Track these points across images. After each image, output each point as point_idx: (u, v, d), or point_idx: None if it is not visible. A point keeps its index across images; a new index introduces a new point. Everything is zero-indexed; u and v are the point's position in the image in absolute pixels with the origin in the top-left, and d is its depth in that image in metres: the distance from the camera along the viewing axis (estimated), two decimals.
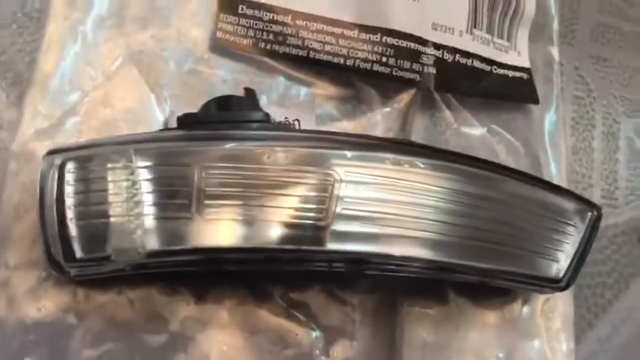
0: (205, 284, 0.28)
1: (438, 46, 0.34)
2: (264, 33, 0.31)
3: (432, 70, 0.33)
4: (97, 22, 0.29)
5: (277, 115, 0.31)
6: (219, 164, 0.24)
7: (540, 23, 0.39)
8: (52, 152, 0.24)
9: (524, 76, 0.37)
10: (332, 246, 0.26)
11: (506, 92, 0.36)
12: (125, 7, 0.30)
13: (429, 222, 0.27)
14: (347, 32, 0.32)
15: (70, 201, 0.24)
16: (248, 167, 0.25)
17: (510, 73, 0.36)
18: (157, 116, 0.29)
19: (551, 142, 0.37)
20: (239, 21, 0.31)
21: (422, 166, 0.27)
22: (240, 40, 0.31)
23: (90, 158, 0.24)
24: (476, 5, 0.35)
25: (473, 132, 0.35)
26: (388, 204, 0.27)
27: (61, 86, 0.28)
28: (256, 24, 0.31)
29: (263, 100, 0.31)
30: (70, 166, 0.24)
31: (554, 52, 0.39)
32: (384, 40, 0.32)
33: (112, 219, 0.24)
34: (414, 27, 0.33)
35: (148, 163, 0.24)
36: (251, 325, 0.29)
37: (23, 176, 0.26)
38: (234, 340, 0.28)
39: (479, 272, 0.29)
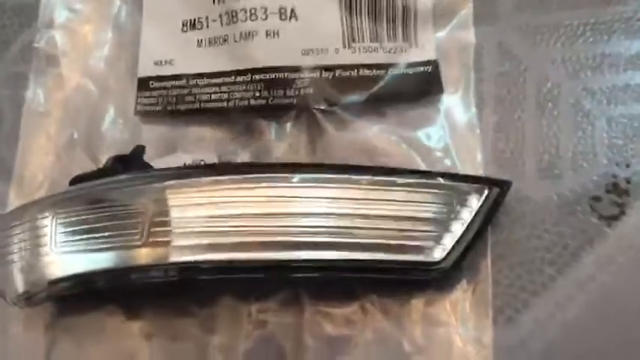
0: (135, 301, 0.36)
1: (312, 68, 0.37)
2: (168, 98, 0.39)
3: (310, 91, 0.37)
4: (50, 117, 0.40)
5: (188, 159, 0.39)
6: (77, 209, 0.33)
7: (448, 12, 0.39)
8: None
9: (428, 69, 0.38)
10: (173, 259, 0.32)
11: (407, 90, 0.38)
12: (71, 106, 0.41)
13: (256, 227, 0.32)
14: (226, 79, 0.38)
15: (13, 250, 0.35)
16: (97, 207, 0.33)
17: (411, 70, 0.38)
18: None
19: (456, 127, 0.37)
20: (151, 94, 0.39)
21: (231, 181, 0.32)
22: (153, 108, 0.39)
23: (17, 220, 0.35)
24: (351, 24, 0.38)
25: (365, 138, 0.37)
26: (221, 218, 0.32)
27: (30, 174, 0.40)
28: (162, 92, 0.39)
29: (180, 149, 0.39)
30: (9, 227, 0.34)
31: (468, 35, 0.39)
32: (253, 77, 0.37)
33: (26, 261, 0.34)
34: (280, 59, 0.37)
35: (40, 216, 0.34)
36: (171, 334, 0.35)
37: None
38: (158, 347, 0.36)
39: (325, 267, 0.32)
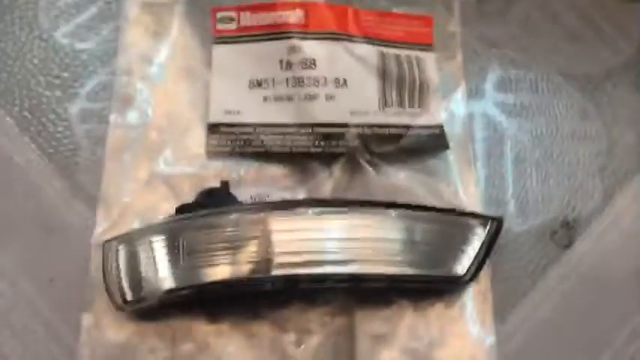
0: (216, 309, 0.45)
1: (357, 125, 0.48)
2: (237, 141, 0.48)
3: (356, 143, 0.48)
4: (132, 158, 0.47)
5: (253, 192, 0.48)
6: (195, 232, 0.41)
7: (448, 88, 0.53)
8: (108, 241, 0.42)
9: (437, 131, 0.50)
10: (275, 272, 0.41)
11: (421, 146, 0.50)
12: (150, 144, 0.48)
13: (339, 249, 0.42)
14: (289, 130, 0.48)
15: (122, 266, 0.42)
16: (214, 231, 0.41)
17: (424, 132, 0.50)
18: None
19: (461, 175, 0.50)
20: (220, 137, 0.48)
21: (318, 213, 0.42)
22: (222, 149, 0.48)
23: (128, 241, 0.42)
24: (384, 93, 0.49)
25: (394, 180, 0.49)
26: (310, 241, 0.42)
27: (116, 199, 0.46)
28: (231, 136, 0.48)
29: (244, 183, 0.48)
30: (120, 247, 0.42)
31: (463, 107, 0.52)
32: (314, 130, 0.48)
33: (142, 274, 0.41)
34: (334, 117, 0.48)
35: (155, 238, 0.41)
36: (247, 333, 0.44)
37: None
38: (238, 343, 0.44)
39: (388, 279, 0.43)
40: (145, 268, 0.41)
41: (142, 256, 0.41)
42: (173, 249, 0.41)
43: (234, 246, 0.41)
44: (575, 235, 0.50)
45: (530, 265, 0.49)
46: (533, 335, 0.47)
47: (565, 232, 0.50)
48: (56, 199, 0.46)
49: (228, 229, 0.41)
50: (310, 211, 0.43)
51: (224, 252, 0.41)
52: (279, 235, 0.42)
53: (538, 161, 0.52)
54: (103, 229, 0.45)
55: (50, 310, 0.44)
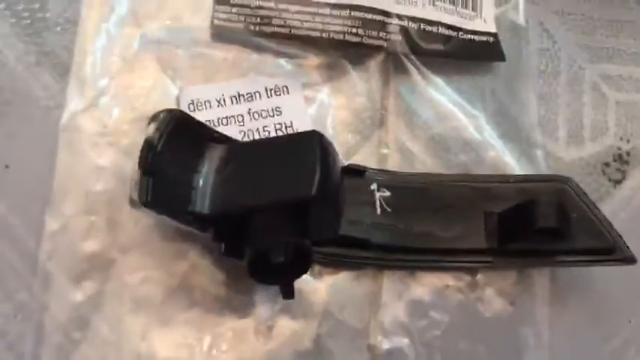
0: None
1: (402, 17, 0.39)
2: (253, 17, 0.38)
3: (398, 37, 0.39)
4: (116, 21, 0.37)
5: (268, 83, 0.38)
6: None
7: None
8: None
9: (491, 39, 0.42)
10: None
11: (472, 53, 0.41)
12: (139, 6, 0.37)
13: None
14: (321, 10, 0.38)
15: None
16: None
17: (477, 37, 0.42)
18: (170, 92, 0.37)
19: (517, 94, 0.42)
20: (231, 10, 0.38)
21: None
22: (233, 26, 0.38)
23: None
24: None
25: (441, 91, 0.40)
26: None
27: (93, 74, 0.36)
28: (246, 11, 0.38)
29: (256, 72, 0.39)
30: None
31: (520, 15, 0.44)
32: (351, 14, 0.38)
33: None
34: (377, 2, 0.39)
35: None
36: None
37: (70, 145, 0.35)
38: None
39: None
40: None
41: None
42: None
43: None
44: (628, 171, 0.43)
45: None
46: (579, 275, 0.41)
47: (617, 167, 0.43)
48: (16, 65, 0.35)
49: None
50: None
51: None
52: None
53: (595, 82, 0.45)
54: (74, 110, 0.35)
55: (4, 204, 0.34)
